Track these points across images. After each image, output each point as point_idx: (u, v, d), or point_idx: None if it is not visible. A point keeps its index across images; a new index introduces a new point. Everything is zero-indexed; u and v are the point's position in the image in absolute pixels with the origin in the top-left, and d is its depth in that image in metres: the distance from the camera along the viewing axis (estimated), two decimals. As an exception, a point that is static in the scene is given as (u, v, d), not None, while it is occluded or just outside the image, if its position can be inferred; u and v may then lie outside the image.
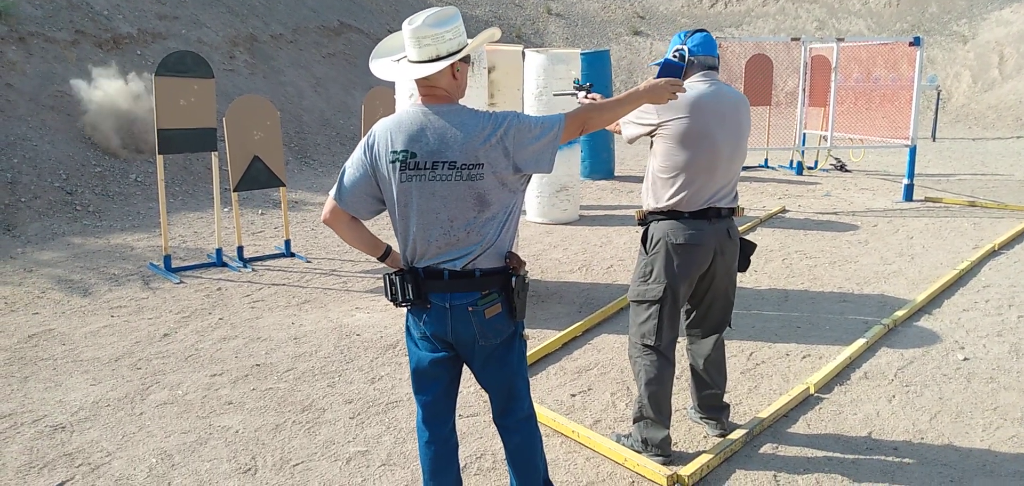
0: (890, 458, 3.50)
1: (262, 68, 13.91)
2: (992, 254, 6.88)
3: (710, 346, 3.58)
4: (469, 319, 2.53)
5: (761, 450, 3.57)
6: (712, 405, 3.68)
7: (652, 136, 3.32)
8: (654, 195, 3.36)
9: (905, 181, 9.47)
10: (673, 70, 2.60)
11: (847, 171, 12.21)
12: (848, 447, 3.59)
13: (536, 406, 3.86)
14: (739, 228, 6.24)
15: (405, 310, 2.67)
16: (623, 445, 3.52)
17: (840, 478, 3.33)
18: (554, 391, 4.24)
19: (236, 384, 4.35)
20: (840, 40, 9.45)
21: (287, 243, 7.18)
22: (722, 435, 3.63)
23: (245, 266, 6.78)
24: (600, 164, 11.63)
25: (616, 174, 12.00)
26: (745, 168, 12.55)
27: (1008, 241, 7.22)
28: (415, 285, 2.53)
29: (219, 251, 6.85)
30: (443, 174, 2.44)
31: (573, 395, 4.18)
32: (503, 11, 29.14)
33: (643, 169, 12.40)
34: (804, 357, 4.66)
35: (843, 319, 5.32)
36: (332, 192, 2.61)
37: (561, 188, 8.52)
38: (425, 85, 2.51)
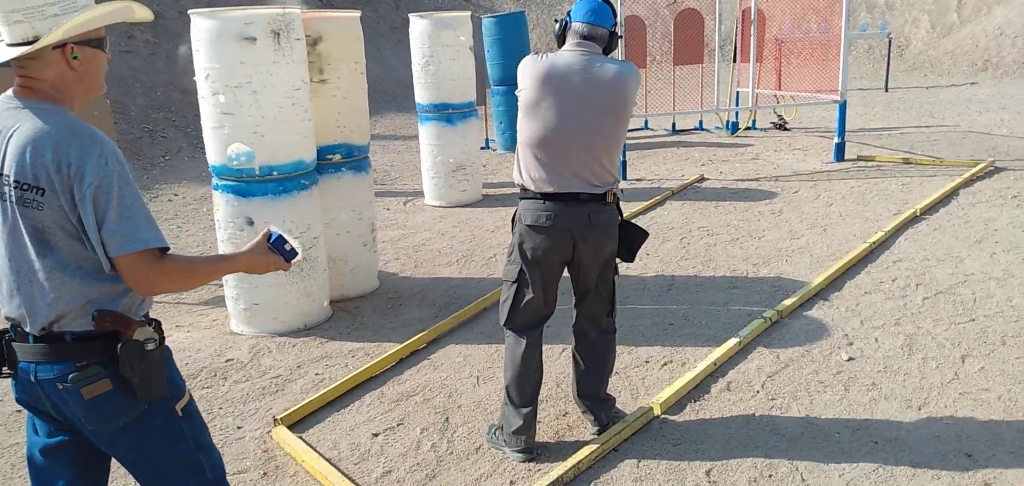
0: (725, 505, 2.85)
1: None
2: (912, 221, 6.25)
3: (588, 336, 3.30)
4: (64, 398, 1.84)
5: (570, 503, 2.92)
6: (590, 395, 3.36)
7: None
8: (518, 171, 3.13)
9: (835, 140, 8.82)
10: (282, 252, 2.03)
11: (787, 129, 11.55)
12: (678, 492, 2.94)
13: (314, 457, 3.21)
14: (648, 202, 6.04)
15: None
16: (490, 438, 3.34)
17: (654, 540, 2.68)
18: (357, 429, 3.55)
19: (-21, 439, 3.63)
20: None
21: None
22: (600, 430, 3.30)
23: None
24: (523, 135, 10.88)
25: (542, 145, 11.26)
26: (679, 131, 11.89)
27: (932, 205, 6.58)
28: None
29: None
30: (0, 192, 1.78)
31: (375, 434, 3.49)
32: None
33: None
34: (665, 364, 4.01)
35: (726, 311, 4.66)
36: None
37: (458, 167, 7.79)
38: (23, 74, 1.82)
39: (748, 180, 8.17)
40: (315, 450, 3.33)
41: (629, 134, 11.97)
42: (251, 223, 4.49)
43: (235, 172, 4.52)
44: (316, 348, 4.47)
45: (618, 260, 3.23)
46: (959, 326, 4.22)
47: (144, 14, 1.95)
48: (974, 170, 7.64)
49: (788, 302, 4.59)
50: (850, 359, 3.91)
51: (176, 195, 8.70)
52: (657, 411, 3.48)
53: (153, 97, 11.59)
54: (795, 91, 10.25)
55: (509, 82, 10.68)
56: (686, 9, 11.45)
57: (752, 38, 9.44)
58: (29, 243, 1.78)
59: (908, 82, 17.27)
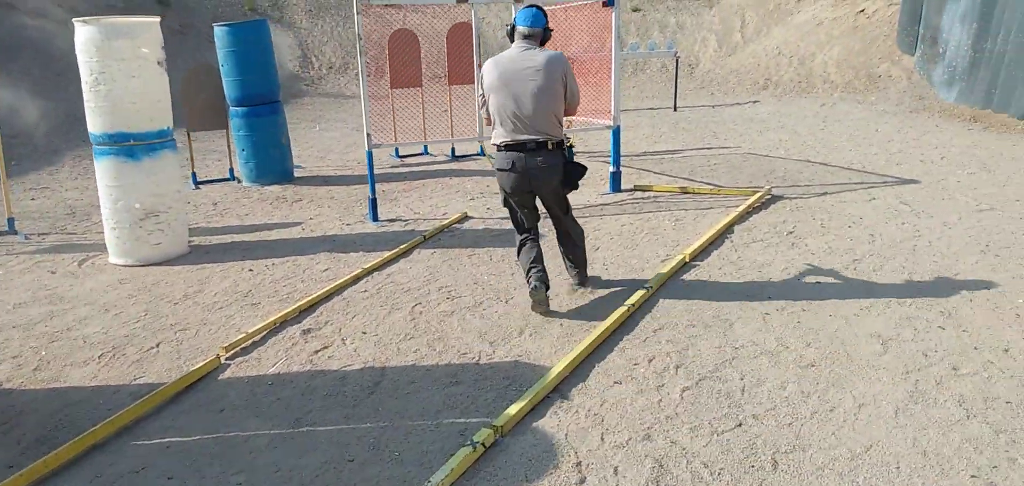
0: None
1: None
2: (681, 268, 5.37)
3: (559, 224, 4.86)
4: None
5: None
6: (573, 263, 5.01)
7: None
8: (493, 135, 4.60)
9: (610, 168, 7.99)
10: None
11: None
12: None
13: None
14: (391, 253, 5.90)
15: None
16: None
17: None
18: None
19: None
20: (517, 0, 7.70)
21: None
22: (581, 284, 5.02)
23: None
24: (270, 163, 9.20)
25: (297, 176, 9.68)
26: (458, 157, 10.76)
27: (703, 248, 5.77)
28: None
29: None
30: None
31: None
32: (237, -18, 25.75)
33: (342, 166, 10.12)
34: (310, 549, 2.65)
35: (434, 430, 3.39)
36: None
37: (148, 215, 6.06)
38: None
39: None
40: None
41: (406, 159, 10.71)
42: None
43: None
44: None
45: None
46: (722, 437, 3.21)
47: None
48: (750, 201, 7.03)
49: (513, 410, 3.40)
50: (575, 513, 2.75)
51: None
52: None
53: None
54: (582, 114, 9.40)
55: (249, 101, 9.03)
56: (459, 24, 10.34)
57: (474, 52, 8.40)
58: None
59: (697, 100, 17.37)
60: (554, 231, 4.93)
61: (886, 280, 5.00)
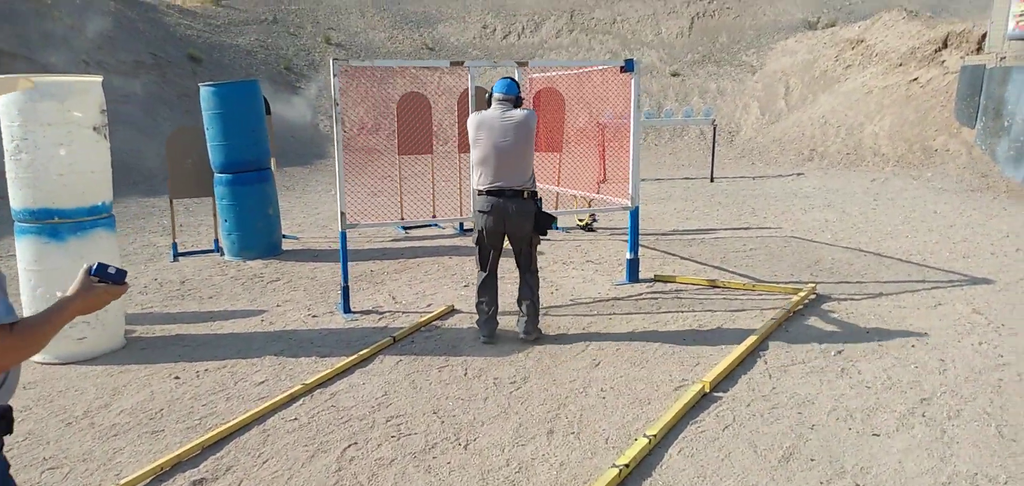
0: None
1: None
2: (698, 403, 4.24)
3: (521, 276, 5.36)
4: None
5: None
6: (525, 312, 5.32)
7: None
8: (473, 179, 5.24)
9: (628, 255, 6.90)
10: (109, 277, 1.95)
11: (592, 230, 9.72)
12: None
13: None
14: (345, 361, 5.07)
15: None
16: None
17: None
18: None
19: None
20: (521, 64, 6.73)
21: None
22: (526, 334, 5.31)
23: None
24: (254, 235, 8.34)
25: (288, 248, 8.82)
26: (466, 231, 9.81)
27: (726, 373, 4.62)
28: None
29: None
30: None
31: None
32: (273, 40, 25.71)
33: (328, 237, 9.17)
34: None
35: None
36: None
37: (73, 304, 5.16)
38: None
39: (509, 313, 6.03)
40: None
41: (413, 232, 9.82)
42: None
43: None
44: None
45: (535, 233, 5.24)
46: None
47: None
48: (790, 304, 5.86)
49: None
50: None
51: None
52: None
53: None
54: (606, 192, 8.39)
55: (234, 168, 8.22)
56: (467, 91, 9.47)
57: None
58: None
59: (737, 171, 16.23)
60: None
61: (968, 435, 3.80)
